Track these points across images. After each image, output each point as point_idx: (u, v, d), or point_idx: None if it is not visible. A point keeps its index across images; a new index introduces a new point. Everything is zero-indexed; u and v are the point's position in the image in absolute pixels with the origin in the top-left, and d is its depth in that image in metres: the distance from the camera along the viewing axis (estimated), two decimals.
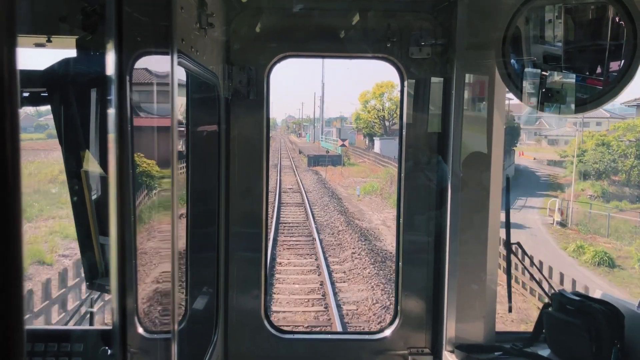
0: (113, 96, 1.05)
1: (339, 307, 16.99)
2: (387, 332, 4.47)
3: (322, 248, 24.11)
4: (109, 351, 2.94)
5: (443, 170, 4.30)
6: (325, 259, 22.37)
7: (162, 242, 2.06)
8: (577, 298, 3.90)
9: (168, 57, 1.70)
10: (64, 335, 3.07)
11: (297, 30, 4.39)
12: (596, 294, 4.06)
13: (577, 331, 3.78)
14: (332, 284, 19.23)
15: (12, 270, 0.78)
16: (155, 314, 2.15)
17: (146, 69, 1.75)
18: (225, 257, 4.35)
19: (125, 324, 1.03)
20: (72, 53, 2.53)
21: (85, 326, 3.75)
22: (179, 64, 2.73)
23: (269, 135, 4.48)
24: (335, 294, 18.14)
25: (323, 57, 4.67)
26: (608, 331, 3.67)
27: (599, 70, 3.68)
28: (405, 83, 4.33)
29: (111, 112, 1.06)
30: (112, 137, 1.02)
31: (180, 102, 3.75)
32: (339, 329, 14.94)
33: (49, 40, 2.79)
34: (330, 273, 20.49)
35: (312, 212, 32.86)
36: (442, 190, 4.31)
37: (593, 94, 3.66)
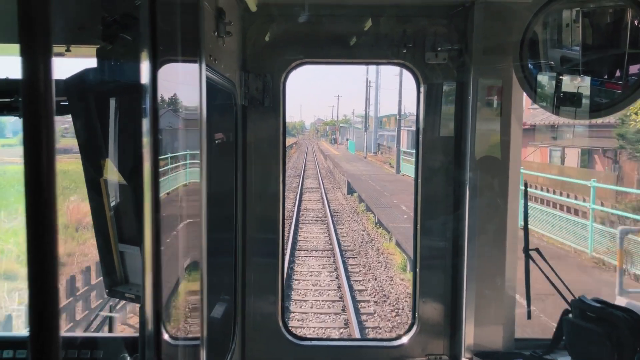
0: (142, 104, 1.06)
1: None
2: (405, 339, 4.44)
3: None
4: (129, 358, 2.95)
5: (460, 175, 4.28)
6: None
7: (189, 248, 2.07)
8: (597, 305, 3.85)
9: (196, 66, 1.71)
10: (84, 342, 3.09)
11: (312, 37, 4.40)
12: (618, 300, 4.00)
13: (598, 339, 3.72)
14: None
15: (48, 279, 0.79)
16: (181, 320, 2.16)
17: (174, 78, 1.77)
18: (243, 263, 4.36)
19: (159, 332, 1.03)
20: (92, 62, 2.55)
21: (105, 333, 3.78)
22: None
23: (285, 141, 4.49)
24: None
25: (339, 63, 4.68)
26: (630, 339, 3.61)
27: (617, 74, 3.64)
28: (422, 88, 4.32)
29: (139, 121, 1.07)
30: (142, 145, 1.03)
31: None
32: None
33: (68, 50, 2.83)
34: None
35: None
36: (459, 195, 4.29)
37: (611, 98, 3.62)
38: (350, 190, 37.73)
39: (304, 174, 52.75)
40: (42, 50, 0.79)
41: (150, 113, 1.01)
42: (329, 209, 31.16)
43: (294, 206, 31.76)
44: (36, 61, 0.78)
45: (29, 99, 0.78)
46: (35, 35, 0.78)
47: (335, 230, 24.96)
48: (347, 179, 41.03)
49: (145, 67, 1.00)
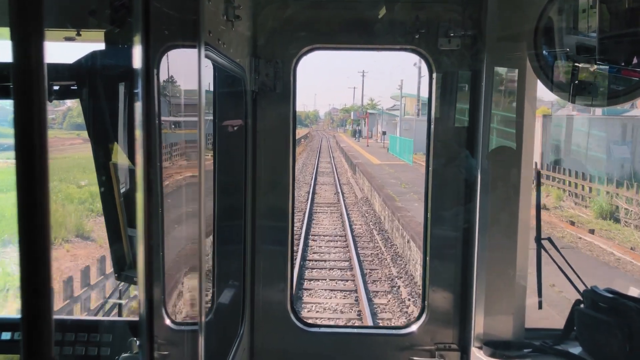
0: (141, 89, 1.04)
1: None
2: (414, 327, 4.43)
3: None
4: (137, 342, 2.98)
5: (472, 165, 4.23)
6: None
7: (190, 235, 2.07)
8: (609, 295, 3.81)
9: (195, 50, 1.70)
10: (94, 326, 3.12)
11: (324, 22, 4.36)
12: (630, 291, 3.96)
13: (609, 329, 3.69)
14: None
15: (41, 261, 0.78)
16: (182, 306, 2.17)
17: (174, 62, 1.75)
18: (252, 251, 4.37)
19: (152, 316, 1.03)
20: (101, 46, 2.55)
21: (114, 317, 3.82)
22: (206, 56, 2.73)
23: (295, 128, 4.48)
24: None
25: (350, 49, 4.64)
26: None
27: (635, 61, 3.56)
28: (434, 75, 4.27)
29: (139, 105, 1.06)
30: (140, 130, 1.02)
31: (207, 95, 3.76)
32: None
33: (78, 34, 2.82)
34: None
35: None
36: (471, 185, 4.25)
37: (628, 86, 3.55)
38: None
39: (305, 242, 21.60)
40: (34, 34, 0.77)
41: (146, 98, 0.99)
42: None
43: None
44: (27, 45, 0.77)
45: (20, 83, 0.77)
46: (26, 18, 0.77)
47: None
48: None
49: (141, 51, 0.99)
